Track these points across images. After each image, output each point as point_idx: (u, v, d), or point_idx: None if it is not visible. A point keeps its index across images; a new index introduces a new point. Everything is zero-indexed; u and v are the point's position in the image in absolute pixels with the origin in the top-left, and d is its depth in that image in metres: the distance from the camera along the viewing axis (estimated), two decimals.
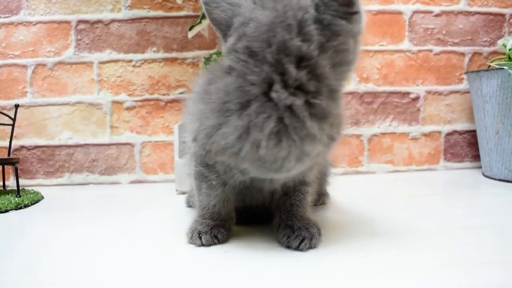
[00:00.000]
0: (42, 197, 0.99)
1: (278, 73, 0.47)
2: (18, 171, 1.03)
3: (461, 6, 1.24)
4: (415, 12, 1.23)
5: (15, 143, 1.17)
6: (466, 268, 0.48)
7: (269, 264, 0.51)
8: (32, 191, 1.02)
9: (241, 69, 0.48)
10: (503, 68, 0.98)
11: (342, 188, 0.94)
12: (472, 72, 1.11)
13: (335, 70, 0.49)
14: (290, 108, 0.47)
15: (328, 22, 0.47)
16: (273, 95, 0.47)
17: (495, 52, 1.25)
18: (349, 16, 0.48)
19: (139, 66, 1.19)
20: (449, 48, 1.24)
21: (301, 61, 0.47)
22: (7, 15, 1.17)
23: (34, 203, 0.93)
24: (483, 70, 1.07)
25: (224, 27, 0.52)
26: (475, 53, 1.25)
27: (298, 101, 0.47)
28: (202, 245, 0.58)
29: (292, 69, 0.47)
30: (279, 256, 0.54)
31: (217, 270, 0.50)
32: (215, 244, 0.59)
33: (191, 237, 0.59)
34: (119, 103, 1.19)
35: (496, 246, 0.55)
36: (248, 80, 0.47)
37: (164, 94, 1.19)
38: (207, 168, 0.58)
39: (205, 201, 0.61)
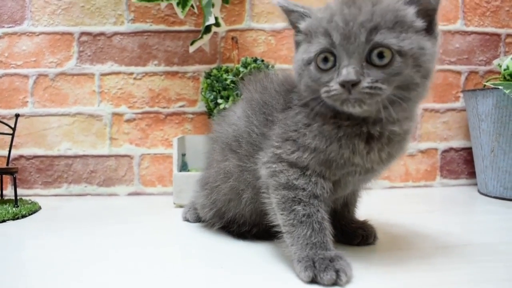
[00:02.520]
0: (40, 208, 0.99)
1: None
2: (16, 181, 1.03)
3: (458, 25, 1.26)
4: None
5: (14, 153, 1.18)
6: (460, 286, 0.48)
7: (266, 279, 0.52)
8: (30, 201, 1.02)
9: None
10: (498, 88, 0.99)
11: None
12: (468, 90, 1.13)
13: None
14: None
15: None
16: None
17: (490, 71, 1.27)
18: None
19: (140, 79, 1.20)
20: (446, 66, 1.26)
21: None
22: (10, 25, 1.18)
23: (31, 214, 0.93)
24: (478, 89, 1.08)
25: None
26: (471, 72, 1.27)
27: None
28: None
29: None
30: (275, 270, 0.54)
31: (213, 284, 0.50)
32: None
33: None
34: (119, 115, 1.20)
35: (491, 265, 0.56)
36: None
37: (164, 107, 1.20)
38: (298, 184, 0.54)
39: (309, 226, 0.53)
